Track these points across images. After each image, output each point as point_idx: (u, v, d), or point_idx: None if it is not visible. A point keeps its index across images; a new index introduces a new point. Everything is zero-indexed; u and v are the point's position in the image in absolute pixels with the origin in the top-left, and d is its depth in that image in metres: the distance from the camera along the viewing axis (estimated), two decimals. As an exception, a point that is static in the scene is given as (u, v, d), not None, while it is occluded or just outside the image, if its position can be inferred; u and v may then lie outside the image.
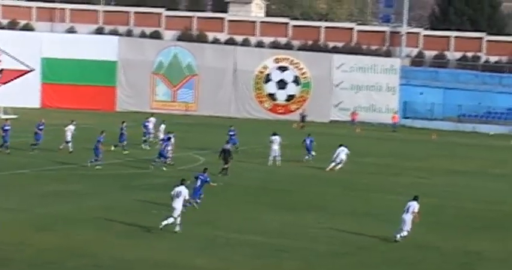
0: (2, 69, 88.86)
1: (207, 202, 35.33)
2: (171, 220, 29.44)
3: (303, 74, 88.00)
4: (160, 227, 29.32)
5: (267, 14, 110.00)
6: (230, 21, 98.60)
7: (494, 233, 32.28)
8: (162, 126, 56.83)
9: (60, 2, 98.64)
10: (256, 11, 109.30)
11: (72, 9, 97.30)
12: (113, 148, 52.91)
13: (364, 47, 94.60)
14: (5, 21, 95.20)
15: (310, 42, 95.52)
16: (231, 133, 56.13)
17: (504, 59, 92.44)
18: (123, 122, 54.53)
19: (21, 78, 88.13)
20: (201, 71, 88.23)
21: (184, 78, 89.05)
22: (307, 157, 51.84)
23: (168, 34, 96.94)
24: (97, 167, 45.92)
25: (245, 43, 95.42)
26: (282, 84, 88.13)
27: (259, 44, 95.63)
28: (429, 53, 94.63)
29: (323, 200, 38.28)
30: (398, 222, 31.07)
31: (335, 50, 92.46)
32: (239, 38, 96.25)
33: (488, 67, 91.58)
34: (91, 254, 26.48)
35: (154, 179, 42.44)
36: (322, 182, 44.16)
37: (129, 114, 79.71)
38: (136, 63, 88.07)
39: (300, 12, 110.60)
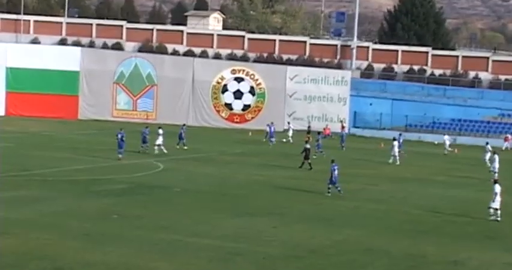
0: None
1: (165, 207, 36.19)
2: None
3: (258, 84, 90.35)
4: None
5: (224, 27, 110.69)
6: (189, 33, 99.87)
7: (439, 238, 32.42)
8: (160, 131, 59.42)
9: (25, 13, 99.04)
10: (214, 25, 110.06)
11: (36, 21, 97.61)
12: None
13: (317, 59, 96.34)
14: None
15: (265, 55, 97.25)
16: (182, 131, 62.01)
17: (448, 72, 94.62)
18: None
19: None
20: (160, 81, 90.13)
21: (145, 88, 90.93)
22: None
23: (129, 45, 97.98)
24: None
25: (203, 55, 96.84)
26: (238, 95, 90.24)
27: (217, 56, 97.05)
28: (378, 66, 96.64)
29: (277, 206, 38.31)
30: (347, 226, 33.17)
31: (289, 62, 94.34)
32: (197, 50, 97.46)
33: (433, 80, 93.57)
34: (51, 257, 26.22)
35: (114, 185, 42.44)
36: (275, 188, 44.28)
37: (90, 123, 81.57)
38: (98, 73, 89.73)
39: (255, 26, 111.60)
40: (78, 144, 61.72)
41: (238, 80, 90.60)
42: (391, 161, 60.21)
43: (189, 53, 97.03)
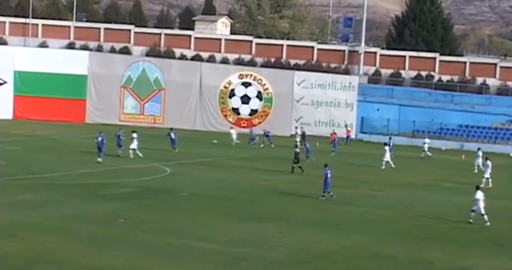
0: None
1: (171, 212, 36.31)
2: None
3: (266, 89, 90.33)
4: None
5: (232, 32, 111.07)
6: (196, 38, 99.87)
7: (446, 244, 32.42)
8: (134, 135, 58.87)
9: (33, 17, 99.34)
10: (222, 29, 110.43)
11: (44, 25, 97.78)
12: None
13: (324, 64, 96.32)
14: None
15: (272, 60, 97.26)
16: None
17: (456, 78, 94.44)
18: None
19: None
20: (168, 86, 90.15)
21: (152, 92, 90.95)
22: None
23: (137, 50, 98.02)
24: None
25: (211, 59, 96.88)
26: (245, 99, 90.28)
27: (224, 61, 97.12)
28: (385, 72, 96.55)
29: (283, 211, 38.32)
30: (353, 232, 33.22)
31: (296, 67, 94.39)
32: (205, 55, 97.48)
33: (440, 86, 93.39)
34: (58, 260, 26.33)
35: (120, 189, 42.50)
36: (282, 193, 44.23)
37: (97, 127, 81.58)
38: (106, 77, 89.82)
39: (263, 30, 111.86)
40: (85, 148, 61.79)
41: (246, 84, 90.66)
42: (383, 167, 60.01)
43: (196, 58, 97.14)
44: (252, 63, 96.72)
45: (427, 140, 73.86)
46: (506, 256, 31.10)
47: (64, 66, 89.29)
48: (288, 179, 50.66)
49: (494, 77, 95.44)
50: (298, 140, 75.26)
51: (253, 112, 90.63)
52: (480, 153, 61.46)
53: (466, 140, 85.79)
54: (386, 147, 61.67)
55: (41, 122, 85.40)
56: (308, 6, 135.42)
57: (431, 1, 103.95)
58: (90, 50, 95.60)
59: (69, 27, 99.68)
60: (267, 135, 75.48)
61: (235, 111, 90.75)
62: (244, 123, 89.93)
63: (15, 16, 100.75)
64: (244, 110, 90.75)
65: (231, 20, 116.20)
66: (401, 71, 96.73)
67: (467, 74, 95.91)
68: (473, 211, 37.23)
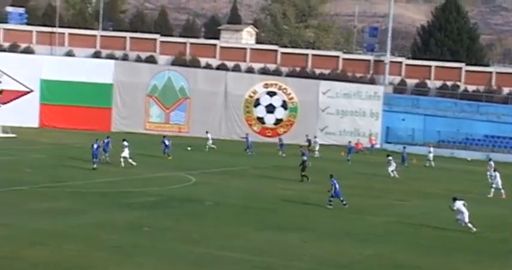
0: (2, 90, 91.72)
1: (196, 221, 36.32)
2: None
3: (291, 99, 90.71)
4: None
5: (257, 41, 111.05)
6: (222, 47, 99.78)
7: (471, 255, 32.28)
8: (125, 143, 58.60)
9: (60, 26, 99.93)
10: (247, 39, 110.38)
11: (71, 34, 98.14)
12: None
13: (350, 74, 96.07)
14: (6, 44, 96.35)
15: (298, 69, 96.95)
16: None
17: (481, 88, 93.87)
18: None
19: (20, 98, 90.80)
20: (193, 94, 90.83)
21: (177, 101, 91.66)
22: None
23: (163, 59, 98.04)
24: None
25: (236, 69, 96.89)
26: (270, 109, 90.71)
27: (249, 70, 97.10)
28: (411, 81, 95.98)
29: (307, 220, 38.31)
30: (377, 242, 33.15)
31: (322, 77, 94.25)
32: (230, 64, 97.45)
33: (466, 96, 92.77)
34: (83, 268, 26.65)
35: (145, 198, 42.63)
36: (305, 202, 44.04)
37: (123, 135, 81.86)
38: (132, 86, 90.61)
39: (288, 40, 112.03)
40: (110, 157, 62.00)
41: (271, 94, 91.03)
42: (392, 175, 59.94)
43: (221, 67, 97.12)
44: (277, 73, 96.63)
45: (431, 149, 73.87)
46: (532, 267, 30.77)
47: (90, 75, 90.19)
48: (310, 188, 50.45)
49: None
50: (317, 149, 75.29)
51: (278, 121, 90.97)
52: (492, 163, 60.86)
53: (492, 150, 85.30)
54: (390, 158, 61.38)
55: (67, 130, 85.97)
56: (333, 16, 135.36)
57: (457, 11, 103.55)
58: (116, 58, 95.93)
59: (95, 36, 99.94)
60: (281, 144, 75.44)
61: (260, 120, 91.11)
62: (269, 132, 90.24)
63: (42, 25, 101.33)
64: (269, 119, 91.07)
65: (256, 29, 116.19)
66: (427, 81, 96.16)
67: (493, 84, 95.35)
68: (458, 220, 37.38)
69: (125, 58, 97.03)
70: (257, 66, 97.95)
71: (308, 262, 29.21)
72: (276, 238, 33.37)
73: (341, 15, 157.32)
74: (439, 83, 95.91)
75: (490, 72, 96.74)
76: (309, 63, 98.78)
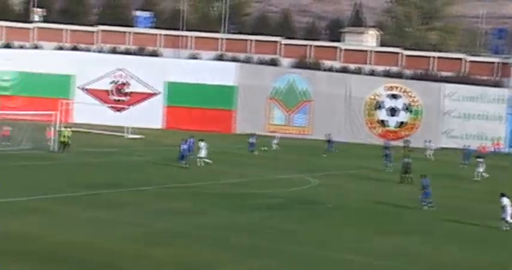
0: (130, 92, 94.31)
1: (318, 223, 36.47)
2: None
3: (414, 101, 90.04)
4: None
5: (380, 44, 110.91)
6: (344, 50, 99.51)
7: None
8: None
9: (185, 29, 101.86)
10: (370, 41, 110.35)
11: (195, 37, 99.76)
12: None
13: (474, 77, 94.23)
14: (134, 48, 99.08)
15: (421, 72, 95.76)
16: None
17: None
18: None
19: (147, 100, 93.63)
20: (315, 97, 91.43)
21: (300, 103, 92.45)
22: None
23: (285, 61, 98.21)
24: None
25: (358, 71, 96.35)
26: (393, 112, 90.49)
27: (372, 73, 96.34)
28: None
29: (429, 224, 37.86)
30: (502, 248, 32.55)
31: (445, 80, 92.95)
32: (352, 66, 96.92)
33: None
34: (207, 268, 27.01)
35: (267, 199, 42.99)
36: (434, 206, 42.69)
37: (245, 137, 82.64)
38: (254, 89, 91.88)
39: (412, 42, 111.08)
40: (233, 158, 62.83)
41: (393, 96, 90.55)
42: (476, 178, 58.71)
43: (344, 69, 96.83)
44: (400, 75, 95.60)
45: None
46: None
47: (213, 77, 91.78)
48: (434, 192, 49.55)
49: None
50: (429, 153, 74.38)
51: (401, 124, 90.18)
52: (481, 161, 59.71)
53: None
54: (480, 160, 60.10)
55: (190, 131, 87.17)
56: (459, 18, 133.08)
57: None
58: (239, 61, 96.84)
59: (219, 39, 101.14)
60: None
61: (383, 123, 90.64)
62: (391, 135, 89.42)
63: (168, 28, 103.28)
64: (392, 122, 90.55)
65: (379, 32, 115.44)
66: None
67: None
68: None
69: (248, 61, 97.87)
70: (380, 68, 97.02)
71: (429, 266, 29.03)
72: (397, 242, 33.21)
73: (466, 17, 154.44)
74: None
75: None
76: (433, 66, 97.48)
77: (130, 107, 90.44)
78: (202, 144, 58.44)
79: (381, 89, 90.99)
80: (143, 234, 31.56)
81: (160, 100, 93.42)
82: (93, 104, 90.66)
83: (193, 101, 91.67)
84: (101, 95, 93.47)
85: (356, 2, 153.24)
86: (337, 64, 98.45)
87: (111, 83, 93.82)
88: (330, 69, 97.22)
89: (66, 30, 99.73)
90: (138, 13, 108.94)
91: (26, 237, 29.62)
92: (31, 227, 31.54)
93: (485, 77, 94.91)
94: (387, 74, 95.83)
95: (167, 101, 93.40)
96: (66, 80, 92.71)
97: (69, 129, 62.71)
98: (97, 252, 28.08)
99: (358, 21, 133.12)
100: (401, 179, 53.80)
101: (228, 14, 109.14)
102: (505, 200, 37.11)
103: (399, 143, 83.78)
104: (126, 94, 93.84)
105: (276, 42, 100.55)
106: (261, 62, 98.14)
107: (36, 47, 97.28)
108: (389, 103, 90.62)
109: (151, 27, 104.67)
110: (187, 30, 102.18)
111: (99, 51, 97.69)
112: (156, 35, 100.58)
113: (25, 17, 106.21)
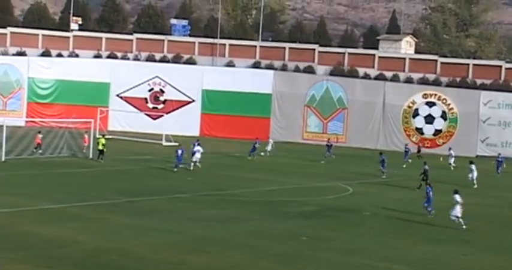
0: (166, 100, 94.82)
1: (354, 231, 36.50)
2: None
3: (451, 109, 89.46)
4: None
5: (417, 51, 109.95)
6: (380, 57, 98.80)
7: None
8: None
9: (221, 37, 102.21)
10: (406, 48, 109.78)
11: (231, 45, 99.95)
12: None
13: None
14: (170, 56, 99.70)
15: (458, 79, 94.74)
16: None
17: None
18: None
19: (183, 108, 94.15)
20: (351, 105, 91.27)
21: (335, 111, 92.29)
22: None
23: (321, 69, 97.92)
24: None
25: (394, 79, 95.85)
26: (429, 119, 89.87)
27: (408, 80, 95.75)
28: None
29: (468, 233, 37.43)
30: None
31: (483, 87, 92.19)
32: (389, 74, 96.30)
33: None
34: None
35: (303, 207, 43.14)
36: (465, 215, 40.44)
37: (281, 145, 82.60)
38: (290, 96, 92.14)
39: (448, 49, 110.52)
40: (269, 165, 62.87)
41: (430, 104, 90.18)
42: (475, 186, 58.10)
43: (380, 77, 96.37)
44: (436, 83, 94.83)
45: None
46: None
47: (249, 85, 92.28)
48: (472, 200, 49.05)
49: None
50: (451, 160, 73.49)
51: (438, 132, 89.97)
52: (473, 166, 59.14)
53: None
54: (472, 166, 59.29)
55: (226, 139, 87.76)
56: (496, 24, 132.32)
57: None
58: (275, 69, 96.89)
59: (255, 46, 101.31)
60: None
61: (419, 131, 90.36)
62: (427, 143, 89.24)
63: (204, 36, 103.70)
64: (428, 130, 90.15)
65: (415, 39, 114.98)
66: None
67: None
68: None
69: (283, 68, 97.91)
70: (416, 76, 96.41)
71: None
72: (435, 250, 33.04)
73: (504, 24, 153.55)
74: None
75: None
76: (470, 73, 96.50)
77: (166, 114, 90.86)
78: (198, 147, 58.80)
79: (417, 96, 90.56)
80: (179, 242, 31.67)
81: (196, 108, 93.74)
82: (130, 111, 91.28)
83: (229, 108, 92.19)
84: (137, 103, 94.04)
85: (392, 9, 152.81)
86: (373, 71, 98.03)
87: (149, 90, 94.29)
88: (366, 77, 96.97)
89: (103, 38, 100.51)
90: (174, 21, 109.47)
91: (63, 243, 30.00)
92: (68, 233, 31.94)
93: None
94: (424, 82, 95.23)
95: (204, 108, 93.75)
96: (103, 87, 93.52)
97: (105, 136, 63.23)
98: (132, 259, 28.31)
99: (394, 29, 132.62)
100: (420, 186, 53.41)
101: (263, 21, 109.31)
102: (458, 197, 38.60)
103: (436, 151, 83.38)
104: (162, 102, 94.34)
105: (311, 49, 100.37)
106: (297, 70, 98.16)
107: (73, 55, 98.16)
108: (425, 111, 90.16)
109: (187, 35, 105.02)
110: (223, 38, 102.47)
111: (136, 59, 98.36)
112: (192, 43, 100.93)
113: (63, 26, 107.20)
